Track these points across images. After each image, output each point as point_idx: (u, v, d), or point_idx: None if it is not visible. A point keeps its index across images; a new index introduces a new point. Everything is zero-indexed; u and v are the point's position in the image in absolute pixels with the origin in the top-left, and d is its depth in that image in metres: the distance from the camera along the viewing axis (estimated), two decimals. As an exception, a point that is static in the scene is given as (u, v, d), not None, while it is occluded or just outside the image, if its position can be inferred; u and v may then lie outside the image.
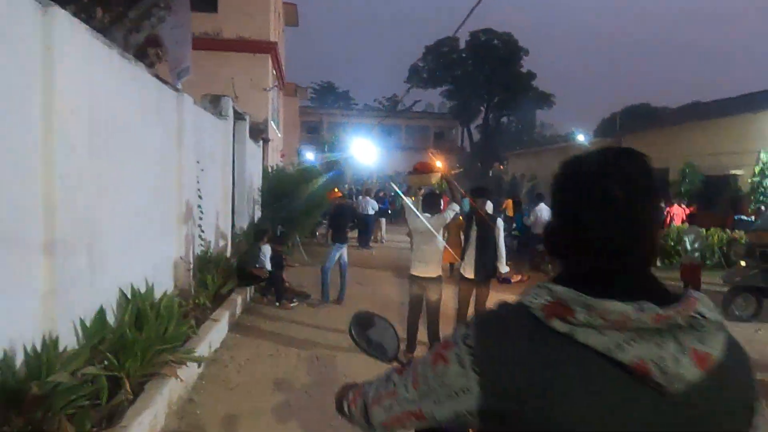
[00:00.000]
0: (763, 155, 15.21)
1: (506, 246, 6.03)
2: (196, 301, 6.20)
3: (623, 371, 0.80)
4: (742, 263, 7.87)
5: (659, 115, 30.59)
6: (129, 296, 4.67)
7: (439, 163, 5.90)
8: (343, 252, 8.12)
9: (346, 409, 1.16)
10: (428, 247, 5.63)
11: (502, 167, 41.73)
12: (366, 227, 15.23)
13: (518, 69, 47.16)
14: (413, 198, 6.10)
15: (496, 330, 0.89)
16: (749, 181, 15.58)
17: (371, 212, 15.27)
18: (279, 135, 23.01)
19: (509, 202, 13.27)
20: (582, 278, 0.87)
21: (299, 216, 12.74)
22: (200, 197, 7.58)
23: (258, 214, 13.12)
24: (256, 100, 16.90)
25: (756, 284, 7.46)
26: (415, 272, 5.63)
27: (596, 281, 0.86)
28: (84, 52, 4.03)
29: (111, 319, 4.31)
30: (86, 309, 3.88)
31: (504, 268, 5.90)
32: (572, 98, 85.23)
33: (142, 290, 4.89)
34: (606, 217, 0.86)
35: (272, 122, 18.75)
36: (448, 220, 5.72)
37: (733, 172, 16.87)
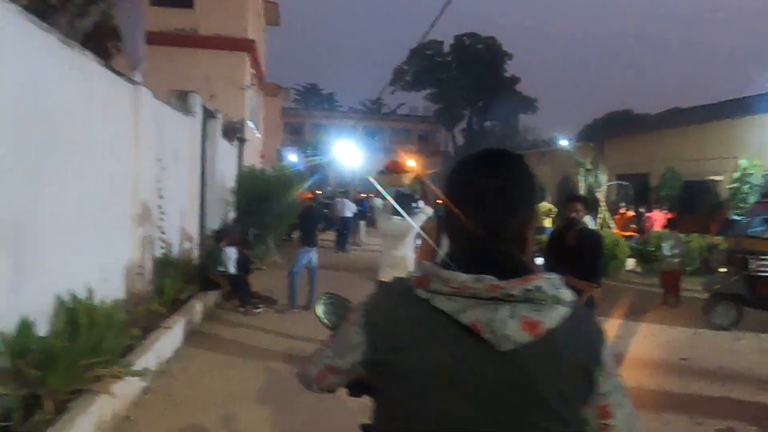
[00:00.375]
0: (741, 161, 15.15)
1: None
2: (150, 308, 5.81)
3: (464, 330, 0.97)
4: (722, 270, 7.67)
5: (640, 120, 30.62)
6: (69, 304, 4.28)
7: (412, 163, 5.59)
8: (312, 255, 7.77)
9: (301, 375, 1.28)
10: (398, 251, 5.33)
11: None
12: (344, 230, 14.89)
13: (502, 73, 47.24)
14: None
15: (381, 297, 1.12)
16: (728, 187, 15.51)
17: (349, 214, 14.94)
18: (258, 136, 22.55)
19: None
20: (455, 257, 1.05)
21: (274, 218, 12.34)
22: (161, 197, 7.19)
23: (233, 215, 12.71)
24: (232, 99, 16.48)
25: (736, 292, 7.26)
26: (383, 278, 5.31)
27: (461, 260, 1.03)
28: (13, 35, 3.67)
29: (44, 330, 3.93)
30: (8, 319, 3.50)
31: None
32: (556, 104, 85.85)
33: (88, 296, 4.50)
34: (467, 210, 1.05)
35: (250, 122, 18.32)
36: (420, 224, 5.41)
37: (713, 177, 16.84)
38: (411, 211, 5.57)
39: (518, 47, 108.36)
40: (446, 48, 48.18)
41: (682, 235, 11.66)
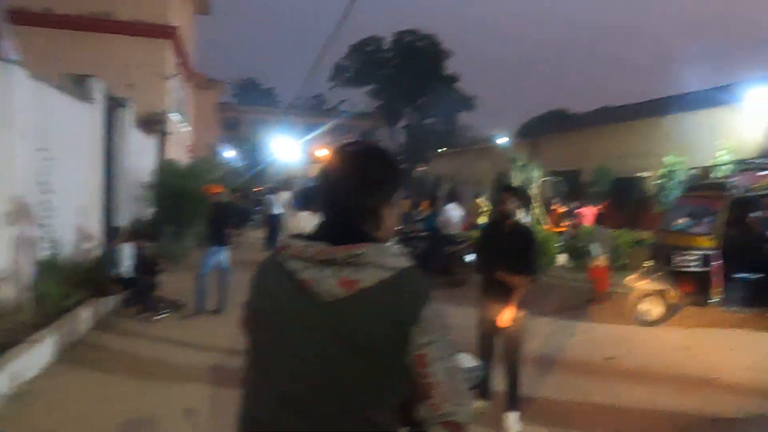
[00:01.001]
0: (666, 159, 15.50)
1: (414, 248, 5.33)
2: (20, 318, 5.04)
3: (300, 284, 1.24)
4: (647, 265, 7.57)
5: (574, 119, 31.31)
6: None
7: (323, 153, 5.07)
8: (223, 256, 7.13)
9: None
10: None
11: (426, 168, 41.68)
12: (273, 228, 14.19)
13: (441, 71, 47.43)
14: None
15: (261, 264, 1.39)
16: (654, 183, 15.85)
17: (278, 212, 14.24)
18: (187, 129, 21.41)
19: (427, 203, 12.66)
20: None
21: (194, 214, 11.48)
22: (46, 191, 6.39)
23: (151, 212, 11.80)
24: (154, 89, 15.46)
25: (661, 288, 7.16)
26: None
27: (315, 231, 1.33)
28: None
29: None
30: None
31: None
32: (496, 102, 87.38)
33: None
34: (325, 191, 1.35)
35: (175, 114, 17.28)
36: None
37: (641, 174, 17.20)
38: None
39: (459, 46, 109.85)
40: (387, 45, 47.98)
41: (610, 231, 11.72)
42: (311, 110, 52.47)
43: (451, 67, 48.61)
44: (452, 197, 11.00)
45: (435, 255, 10.09)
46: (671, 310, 7.50)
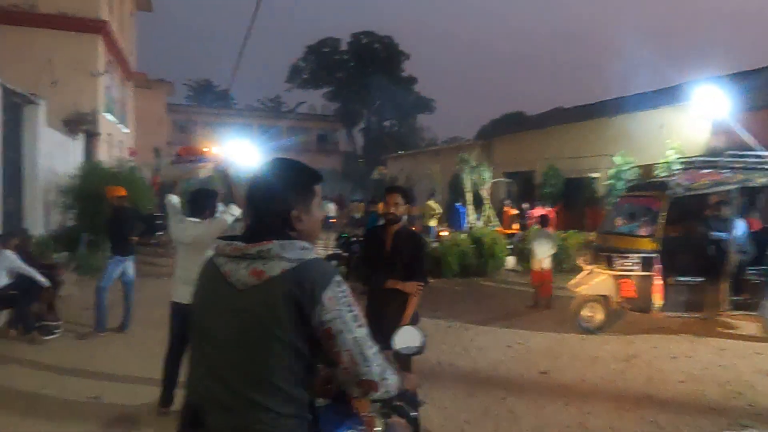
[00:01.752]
0: (615, 158, 15.38)
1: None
2: None
3: (223, 276, 1.51)
4: (586, 269, 7.19)
5: (527, 120, 31.30)
6: None
7: (211, 150, 4.45)
8: (127, 266, 6.39)
9: None
10: (195, 265, 4.15)
11: (384, 170, 41.23)
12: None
13: (399, 73, 47.08)
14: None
15: (205, 261, 1.65)
16: (605, 183, 15.71)
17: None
18: (125, 131, 20.30)
19: (362, 205, 12.11)
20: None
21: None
22: None
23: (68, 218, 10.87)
24: (81, 87, 14.44)
25: (602, 293, 6.79)
26: (177, 299, 4.12)
27: (242, 232, 1.62)
28: None
29: None
30: None
31: None
32: (455, 106, 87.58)
33: None
34: (247, 200, 1.63)
35: (108, 114, 16.25)
36: (225, 228, 4.29)
37: (591, 174, 17.09)
38: (214, 212, 4.46)
39: (420, 48, 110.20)
40: (344, 46, 47.35)
41: (558, 233, 11.38)
42: (268, 112, 51.41)
43: (409, 69, 48.39)
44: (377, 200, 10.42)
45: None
46: (614, 316, 7.14)
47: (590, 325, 6.89)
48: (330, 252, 10.84)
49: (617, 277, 6.64)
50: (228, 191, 4.57)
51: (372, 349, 1.50)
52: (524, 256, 12.26)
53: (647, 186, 7.24)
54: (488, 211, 16.40)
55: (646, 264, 6.44)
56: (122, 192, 6.46)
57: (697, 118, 13.60)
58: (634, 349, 6.30)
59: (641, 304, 6.53)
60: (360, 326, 1.49)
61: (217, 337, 1.49)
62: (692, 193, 6.83)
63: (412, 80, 47.81)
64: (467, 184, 16.73)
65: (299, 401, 1.47)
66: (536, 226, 14.04)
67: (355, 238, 10.51)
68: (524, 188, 19.18)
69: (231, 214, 4.38)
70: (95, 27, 14.70)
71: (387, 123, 50.55)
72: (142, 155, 25.21)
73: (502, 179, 18.68)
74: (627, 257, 6.52)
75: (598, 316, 6.91)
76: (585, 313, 6.89)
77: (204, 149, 4.47)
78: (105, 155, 15.59)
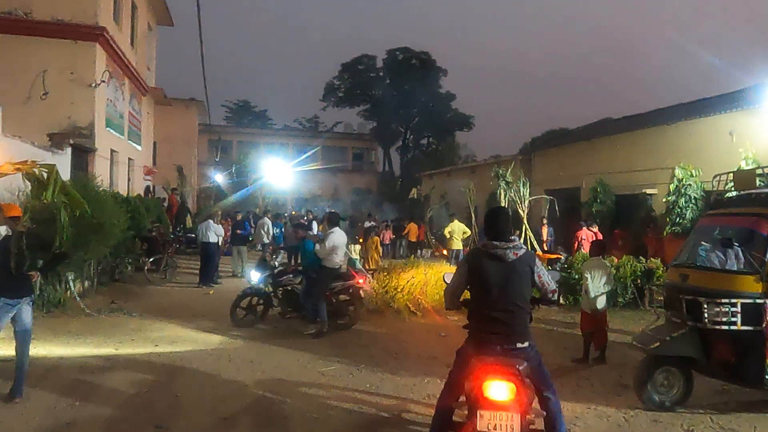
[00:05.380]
0: (678, 171, 13.08)
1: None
2: None
3: (498, 258, 3.42)
4: (661, 319, 5.11)
5: (570, 133, 28.97)
6: None
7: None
8: (22, 311, 4.75)
9: None
10: None
11: (420, 189, 39.42)
12: (207, 258, 11.85)
13: (437, 89, 45.44)
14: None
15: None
16: (664, 200, 13.37)
17: (213, 239, 11.91)
18: (138, 148, 19.17)
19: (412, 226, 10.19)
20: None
21: (90, 245, 9.02)
22: None
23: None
24: (76, 99, 13.26)
25: (683, 353, 4.71)
26: None
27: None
28: None
29: None
30: None
31: None
32: (496, 126, 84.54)
33: None
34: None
35: (110, 129, 15.07)
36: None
37: (647, 190, 14.78)
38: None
39: (459, 64, 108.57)
40: (379, 63, 46.15)
41: (609, 258, 9.27)
42: (304, 132, 50.43)
43: (447, 86, 46.69)
44: (334, 220, 8.22)
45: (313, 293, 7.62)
46: (700, 387, 5.03)
47: (666, 399, 4.81)
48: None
49: (706, 332, 4.57)
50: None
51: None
52: (568, 287, 10.19)
53: (746, 200, 5.03)
54: (526, 232, 14.31)
55: (752, 314, 4.36)
56: (16, 211, 4.86)
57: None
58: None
59: (746, 375, 4.43)
60: None
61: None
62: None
63: (450, 96, 46.07)
64: (503, 203, 14.70)
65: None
66: (582, 251, 11.93)
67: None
68: (568, 206, 16.94)
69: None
70: (92, 34, 13.53)
71: (424, 141, 48.84)
72: (167, 174, 24.27)
73: (543, 196, 16.52)
74: (721, 303, 4.44)
75: (677, 385, 4.83)
76: (659, 380, 4.80)
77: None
78: (105, 172, 14.33)
